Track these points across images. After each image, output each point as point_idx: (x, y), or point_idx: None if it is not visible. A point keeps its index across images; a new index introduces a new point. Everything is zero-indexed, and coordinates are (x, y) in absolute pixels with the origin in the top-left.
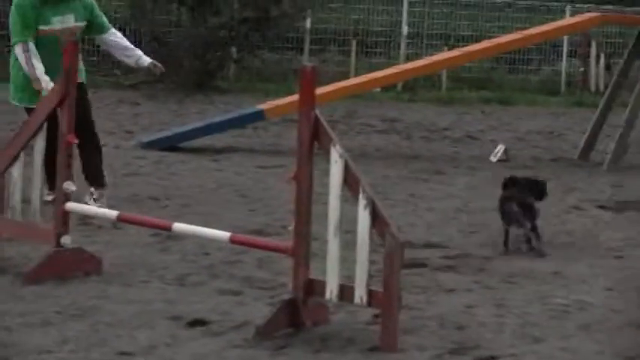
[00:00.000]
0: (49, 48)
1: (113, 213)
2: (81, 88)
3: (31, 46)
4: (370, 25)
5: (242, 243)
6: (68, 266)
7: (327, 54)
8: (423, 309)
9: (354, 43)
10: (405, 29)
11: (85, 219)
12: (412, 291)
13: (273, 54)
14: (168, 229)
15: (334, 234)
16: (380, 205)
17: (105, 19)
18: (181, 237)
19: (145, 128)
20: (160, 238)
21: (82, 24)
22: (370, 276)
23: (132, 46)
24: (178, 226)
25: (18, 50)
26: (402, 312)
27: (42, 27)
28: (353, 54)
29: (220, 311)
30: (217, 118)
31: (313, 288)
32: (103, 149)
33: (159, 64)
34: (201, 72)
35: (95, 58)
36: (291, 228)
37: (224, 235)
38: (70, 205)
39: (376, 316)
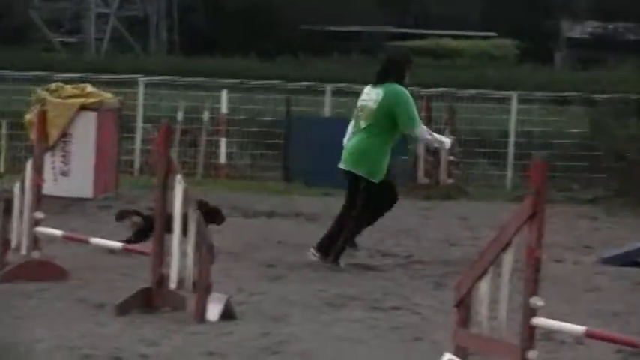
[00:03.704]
0: None
1: (580, 328)
2: None
3: None
4: None
5: None
6: None
7: None
8: None
9: None
10: None
11: (548, 334)
12: None
13: None
14: (636, 345)
15: None
16: None
17: None
18: None
19: (604, 243)
20: (624, 355)
21: None
22: None
23: None
24: None
25: (423, 131)
26: None
27: None
28: None
29: None
30: None
31: None
32: (561, 264)
33: None
34: None
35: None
36: None
37: None
38: (537, 320)
39: None
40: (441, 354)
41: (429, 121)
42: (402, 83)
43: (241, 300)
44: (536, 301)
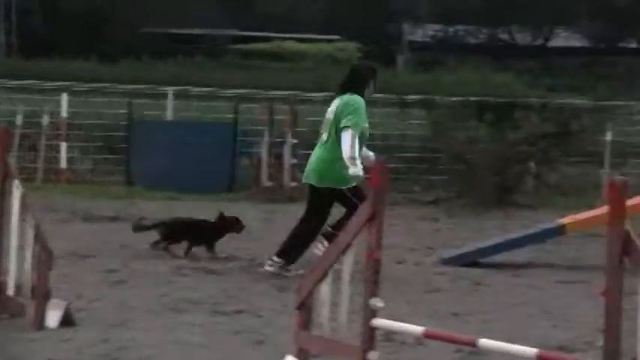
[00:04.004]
0: None
1: (418, 329)
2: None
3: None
4: None
5: None
6: None
7: (628, 167)
8: None
9: None
10: None
11: (389, 335)
12: None
13: (572, 168)
14: (473, 344)
15: None
16: None
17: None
18: (485, 353)
19: (445, 244)
20: (463, 354)
21: None
22: None
23: None
24: (483, 342)
25: (350, 138)
26: None
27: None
28: None
29: None
30: (517, 234)
31: None
32: (402, 265)
33: None
34: (501, 187)
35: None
36: (599, 344)
37: (531, 351)
38: (377, 322)
39: None
40: (283, 356)
41: (271, 124)
42: (362, 94)
43: (81, 306)
44: (377, 303)
